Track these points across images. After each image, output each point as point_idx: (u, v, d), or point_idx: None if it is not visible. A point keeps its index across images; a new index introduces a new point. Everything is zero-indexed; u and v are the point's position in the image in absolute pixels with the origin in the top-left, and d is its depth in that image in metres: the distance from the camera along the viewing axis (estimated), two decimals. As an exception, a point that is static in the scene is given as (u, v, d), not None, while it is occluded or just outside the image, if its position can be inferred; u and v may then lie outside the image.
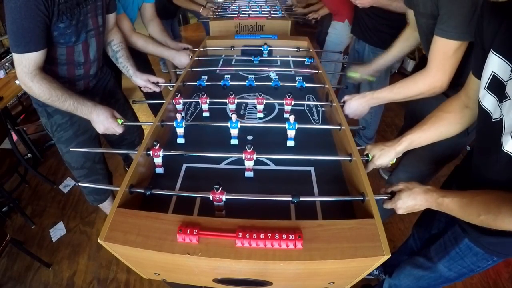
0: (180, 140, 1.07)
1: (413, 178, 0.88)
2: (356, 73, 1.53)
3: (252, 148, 0.87)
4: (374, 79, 1.55)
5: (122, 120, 1.17)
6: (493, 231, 0.79)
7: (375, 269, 1.56)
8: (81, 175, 1.40)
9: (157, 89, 1.50)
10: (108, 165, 1.57)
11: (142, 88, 1.53)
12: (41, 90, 1.06)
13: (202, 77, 1.36)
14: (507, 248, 0.82)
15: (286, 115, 1.19)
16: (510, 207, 0.60)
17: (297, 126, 1.00)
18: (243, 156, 0.88)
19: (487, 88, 0.69)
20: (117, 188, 0.79)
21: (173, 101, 1.16)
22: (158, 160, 0.93)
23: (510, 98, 0.62)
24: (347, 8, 2.24)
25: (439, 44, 0.96)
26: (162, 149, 0.91)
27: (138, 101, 1.41)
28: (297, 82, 1.31)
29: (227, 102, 1.17)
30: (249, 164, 0.91)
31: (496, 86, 0.66)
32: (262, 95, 1.15)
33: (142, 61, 1.96)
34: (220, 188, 0.74)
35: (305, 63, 1.57)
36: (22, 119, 2.42)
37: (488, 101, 0.70)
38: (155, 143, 0.90)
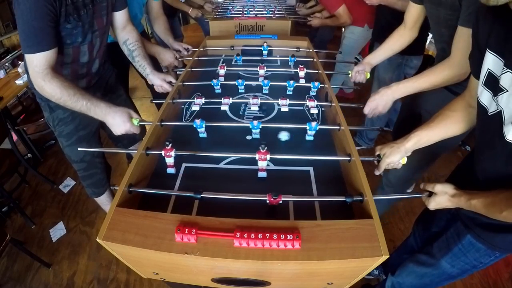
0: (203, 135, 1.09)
1: (410, 169, 0.87)
2: (350, 71, 1.54)
3: (266, 148, 0.88)
4: (368, 76, 1.55)
5: (139, 120, 1.13)
6: (495, 226, 0.81)
7: (375, 269, 1.56)
8: (80, 168, 1.43)
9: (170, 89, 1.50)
10: (110, 162, 1.57)
11: (156, 88, 1.50)
12: (52, 90, 1.05)
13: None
14: (508, 243, 0.83)
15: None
16: None
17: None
18: (257, 156, 0.88)
19: (483, 84, 0.73)
20: (117, 187, 0.79)
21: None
22: (170, 160, 0.91)
23: (506, 91, 0.65)
24: (368, 13, 2.22)
25: (463, 33, 0.98)
26: (174, 149, 0.90)
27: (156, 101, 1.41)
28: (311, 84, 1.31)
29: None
30: (262, 164, 0.91)
31: (491, 82, 0.70)
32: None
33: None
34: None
35: (289, 63, 1.57)
36: (22, 119, 2.43)
37: (485, 97, 0.73)
38: (167, 143, 0.89)
